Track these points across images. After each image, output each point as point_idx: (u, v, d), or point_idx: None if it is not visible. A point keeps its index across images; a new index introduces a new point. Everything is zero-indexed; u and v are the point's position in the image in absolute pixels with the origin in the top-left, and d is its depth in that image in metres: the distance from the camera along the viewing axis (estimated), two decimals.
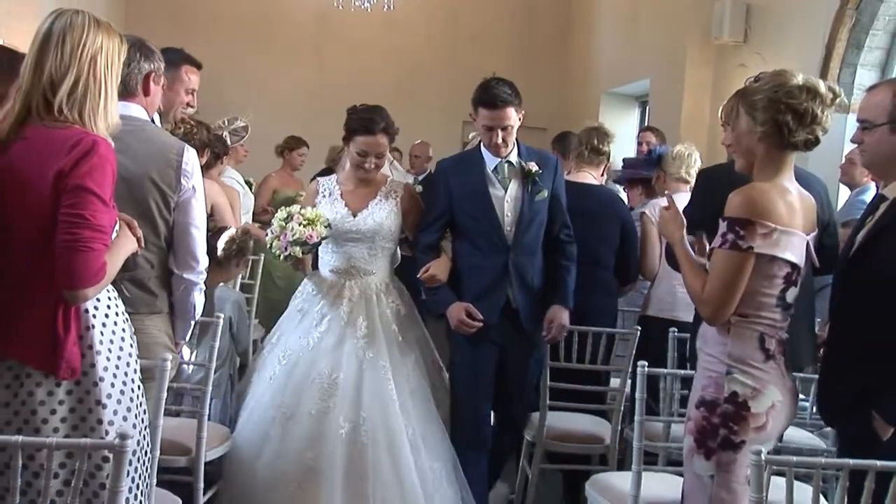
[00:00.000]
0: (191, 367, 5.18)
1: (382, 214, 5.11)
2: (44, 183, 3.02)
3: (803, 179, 4.31)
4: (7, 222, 3.07)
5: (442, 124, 13.56)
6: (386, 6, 13.10)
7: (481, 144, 5.18)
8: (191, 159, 4.01)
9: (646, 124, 11.79)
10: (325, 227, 4.96)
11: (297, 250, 4.89)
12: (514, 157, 5.12)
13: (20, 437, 2.62)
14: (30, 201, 3.05)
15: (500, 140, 4.96)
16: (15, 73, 3.54)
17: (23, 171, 3.08)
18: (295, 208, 5.00)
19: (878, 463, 2.83)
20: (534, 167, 5.05)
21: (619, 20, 13.03)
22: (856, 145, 3.73)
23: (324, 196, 5.24)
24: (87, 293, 3.01)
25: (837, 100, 3.46)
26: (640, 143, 8.82)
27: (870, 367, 3.36)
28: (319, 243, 5.01)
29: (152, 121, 4.22)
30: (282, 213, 4.97)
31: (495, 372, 5.18)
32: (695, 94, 10.48)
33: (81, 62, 3.18)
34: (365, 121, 5.06)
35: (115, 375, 3.15)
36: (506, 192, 5.07)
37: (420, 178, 10.41)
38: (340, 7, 12.88)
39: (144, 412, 3.34)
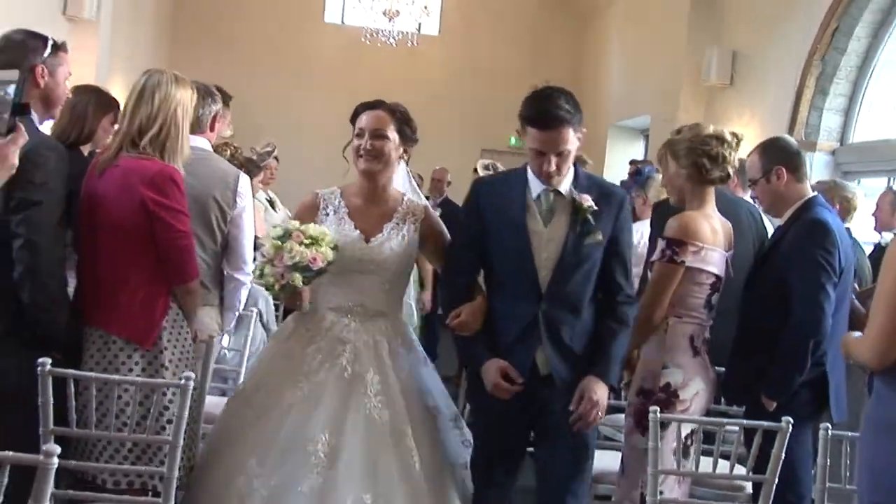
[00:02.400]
0: (229, 352, 5.50)
1: (401, 241, 3.99)
2: (131, 201, 3.84)
3: (734, 205, 5.26)
4: (100, 231, 3.89)
5: (460, 152, 13.84)
6: (410, 42, 13.91)
7: (528, 165, 3.96)
8: (244, 183, 4.72)
9: (646, 157, 12.46)
10: (332, 248, 3.78)
11: (297, 278, 3.71)
12: (565, 186, 3.87)
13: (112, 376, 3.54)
14: (117, 215, 3.86)
15: (552, 168, 3.76)
16: (108, 110, 4.50)
17: (113, 192, 3.88)
18: (293, 224, 3.85)
19: (765, 423, 3.77)
20: (587, 201, 3.79)
21: (625, 61, 13.60)
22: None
23: (326, 213, 4.04)
24: (196, 284, 3.94)
25: (740, 144, 4.27)
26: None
27: (761, 352, 4.26)
28: (324, 270, 3.78)
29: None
30: (276, 231, 3.83)
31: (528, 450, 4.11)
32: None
33: (166, 113, 3.95)
34: (368, 102, 4.11)
35: (174, 348, 3.94)
36: (546, 227, 3.84)
37: (438, 201, 10.46)
38: (368, 42, 13.60)
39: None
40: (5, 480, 2.58)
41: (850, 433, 3.76)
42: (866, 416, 3.43)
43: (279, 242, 3.75)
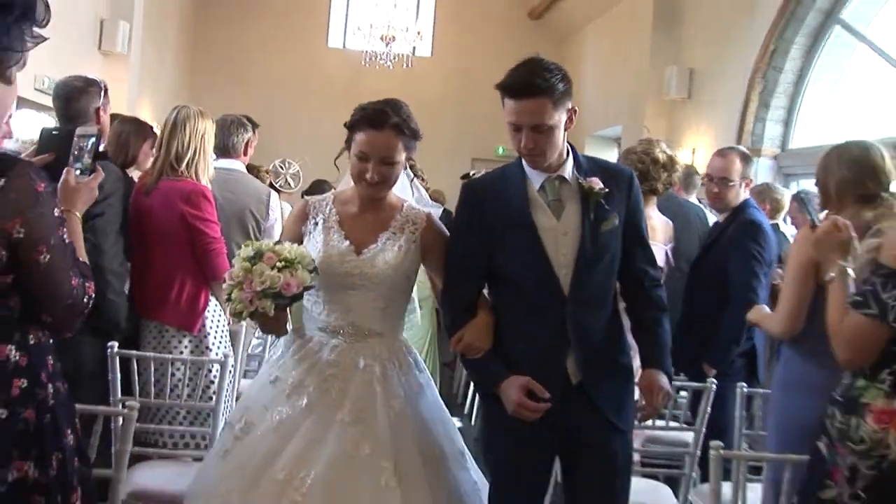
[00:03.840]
0: (255, 339, 5.52)
1: (397, 253, 3.23)
2: (173, 215, 4.27)
3: (685, 207, 5.76)
4: (149, 241, 4.31)
5: (452, 160, 13.76)
6: (405, 63, 14.06)
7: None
8: (274, 199, 5.11)
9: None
10: (310, 271, 3.08)
11: (268, 305, 3.01)
12: (568, 172, 3.13)
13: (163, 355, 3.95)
14: (162, 227, 4.29)
15: (531, 144, 3.01)
16: (146, 137, 4.73)
17: (158, 208, 4.31)
18: (267, 244, 3.13)
19: (694, 384, 4.22)
20: (597, 185, 3.08)
21: (598, 77, 13.77)
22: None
23: (315, 222, 3.32)
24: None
25: (675, 164, 4.69)
26: None
27: (704, 328, 4.69)
28: (301, 296, 3.10)
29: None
30: (247, 251, 3.08)
31: (555, 472, 3.35)
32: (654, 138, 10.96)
33: (196, 142, 4.38)
34: (371, 112, 3.22)
35: (215, 333, 4.37)
36: (559, 220, 3.09)
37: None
38: (367, 65, 13.77)
39: None
40: (100, 429, 3.07)
41: (761, 390, 4.13)
42: (775, 377, 3.82)
43: (248, 265, 3.03)
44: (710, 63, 10.56)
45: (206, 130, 4.49)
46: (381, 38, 14.24)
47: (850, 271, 2.86)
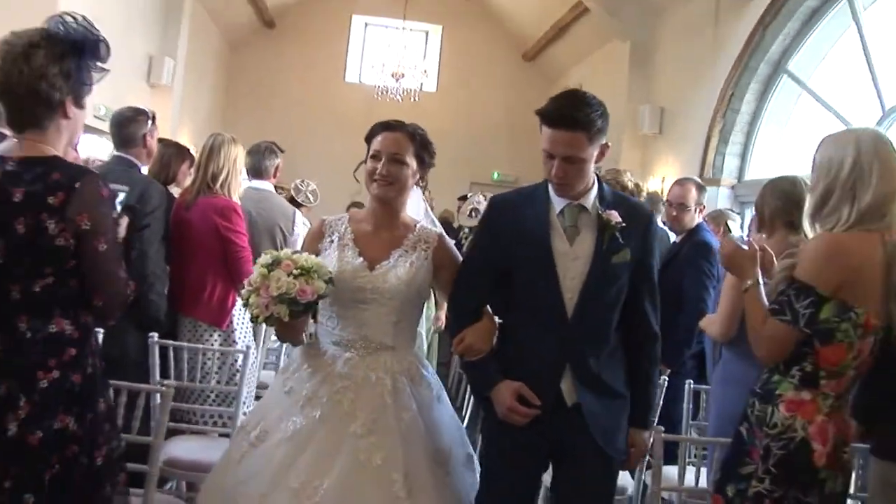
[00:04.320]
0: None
1: (409, 269, 3.04)
2: (208, 227, 4.42)
3: None
4: (187, 249, 4.45)
5: (453, 185, 13.15)
6: (413, 98, 14.17)
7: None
8: (299, 217, 5.22)
9: None
10: (326, 281, 2.91)
11: (283, 310, 2.86)
12: (590, 202, 2.93)
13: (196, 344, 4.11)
14: (199, 238, 4.43)
15: (560, 174, 2.84)
16: (185, 159, 4.88)
17: (196, 221, 4.45)
18: (285, 252, 2.99)
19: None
20: (614, 217, 2.88)
21: None
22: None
23: (331, 240, 3.15)
24: None
25: (642, 190, 4.84)
26: None
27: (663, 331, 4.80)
28: (315, 304, 2.93)
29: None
30: (266, 258, 2.96)
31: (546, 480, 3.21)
32: (628, 168, 9.94)
33: (229, 165, 4.54)
34: (388, 120, 3.16)
35: (241, 328, 4.51)
36: (572, 246, 2.90)
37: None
38: (379, 98, 13.84)
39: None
40: (143, 404, 3.23)
41: (706, 386, 4.23)
42: (715, 374, 3.91)
43: (266, 271, 2.90)
44: (678, 103, 10.61)
45: (238, 155, 4.64)
46: (392, 75, 14.36)
47: (761, 282, 2.92)
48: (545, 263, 2.87)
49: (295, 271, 2.86)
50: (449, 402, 3.20)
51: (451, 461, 3.00)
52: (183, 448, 3.94)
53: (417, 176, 3.15)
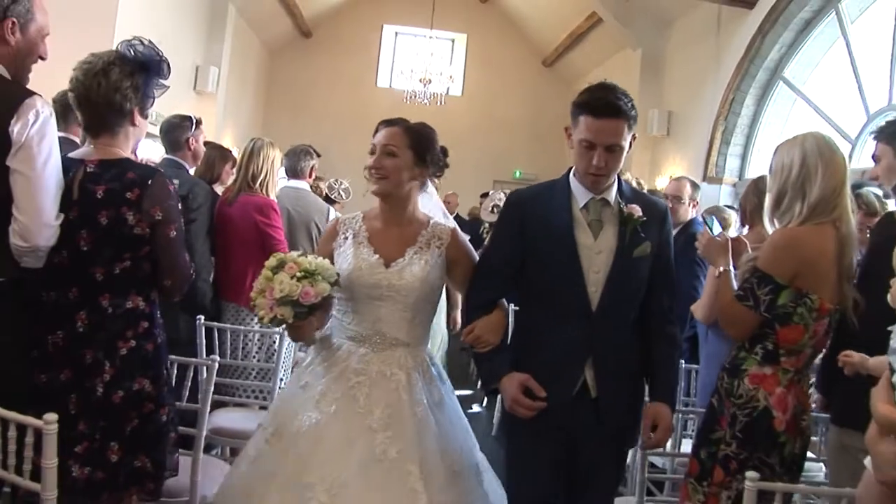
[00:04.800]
0: None
1: (423, 266, 2.90)
2: (248, 223, 4.58)
3: None
4: (229, 242, 4.61)
5: (477, 182, 13.65)
6: (439, 102, 14.20)
7: (570, 174, 2.87)
8: (332, 214, 5.27)
9: None
10: (332, 283, 2.79)
11: (287, 312, 2.73)
12: (612, 196, 2.82)
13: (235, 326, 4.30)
14: (240, 232, 4.59)
15: (602, 163, 2.69)
16: (227, 160, 5.02)
17: (237, 217, 4.61)
18: (291, 255, 2.83)
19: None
20: (637, 211, 2.80)
21: None
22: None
23: (345, 238, 2.99)
24: None
25: (642, 188, 4.95)
26: None
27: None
28: (319, 306, 2.79)
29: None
30: (272, 261, 2.81)
31: (567, 469, 2.86)
32: (638, 169, 10.92)
33: (268, 166, 4.68)
34: (390, 119, 3.01)
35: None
36: (596, 240, 2.79)
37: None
38: (407, 102, 13.90)
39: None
40: (192, 374, 3.42)
41: (695, 366, 4.31)
42: (702, 353, 4.05)
43: (270, 274, 2.78)
44: (684, 107, 10.68)
45: (275, 157, 4.81)
46: (420, 80, 14.41)
47: (732, 270, 3.07)
48: (570, 257, 2.76)
49: (298, 274, 2.74)
50: (459, 406, 3.03)
51: (459, 462, 2.83)
52: (227, 418, 4.15)
53: (416, 171, 2.95)
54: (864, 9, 7.80)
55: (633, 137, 2.78)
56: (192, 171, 4.60)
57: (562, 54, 15.21)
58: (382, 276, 2.87)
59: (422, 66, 14.48)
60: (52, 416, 2.23)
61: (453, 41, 16.79)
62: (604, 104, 2.69)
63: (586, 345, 2.75)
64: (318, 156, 5.75)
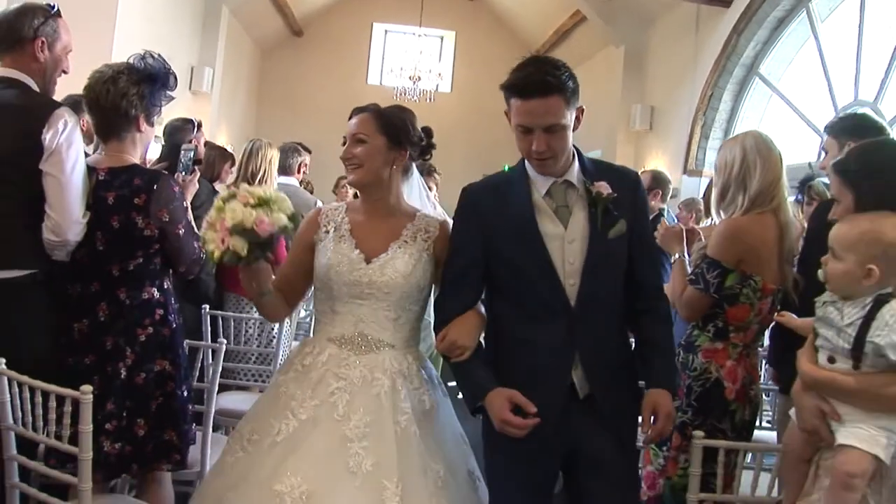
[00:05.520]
0: (304, 311, 5.82)
1: (408, 261, 2.65)
2: None
3: None
4: None
5: (466, 177, 13.04)
6: (429, 98, 14.27)
7: (526, 160, 2.53)
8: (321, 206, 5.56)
9: None
10: (289, 216, 2.56)
11: (240, 244, 2.47)
12: (575, 176, 2.52)
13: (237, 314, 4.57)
14: None
15: (543, 147, 2.39)
16: (227, 159, 5.24)
17: None
18: (243, 186, 2.61)
19: None
20: (605, 189, 2.48)
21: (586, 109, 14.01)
22: None
23: (326, 231, 2.73)
24: None
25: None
26: None
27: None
28: (271, 242, 2.55)
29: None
30: (223, 193, 2.62)
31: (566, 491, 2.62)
32: (622, 163, 9.70)
33: (266, 165, 4.96)
34: (361, 106, 2.77)
35: None
36: (566, 228, 2.49)
37: None
38: (397, 99, 13.51)
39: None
40: (200, 356, 3.63)
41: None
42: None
43: (221, 204, 2.53)
44: (666, 102, 10.80)
45: (273, 156, 5.07)
46: (410, 78, 14.43)
47: (686, 257, 3.33)
48: (537, 250, 2.46)
49: (252, 201, 2.51)
50: (453, 411, 2.77)
51: (449, 472, 2.56)
52: (231, 401, 4.40)
53: (392, 157, 2.70)
54: (834, 8, 8.09)
55: (581, 111, 2.46)
56: None
57: (548, 51, 15.16)
58: (362, 272, 2.62)
59: (411, 63, 14.48)
60: (87, 388, 2.50)
61: (442, 38, 16.84)
62: (530, 83, 2.38)
63: (570, 341, 2.46)
64: (309, 152, 5.91)
